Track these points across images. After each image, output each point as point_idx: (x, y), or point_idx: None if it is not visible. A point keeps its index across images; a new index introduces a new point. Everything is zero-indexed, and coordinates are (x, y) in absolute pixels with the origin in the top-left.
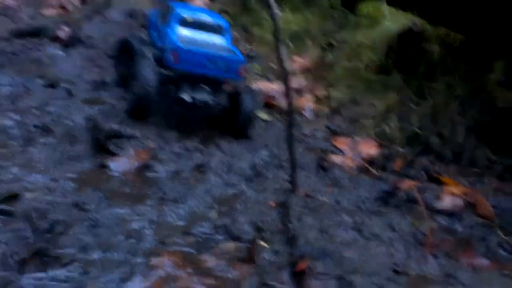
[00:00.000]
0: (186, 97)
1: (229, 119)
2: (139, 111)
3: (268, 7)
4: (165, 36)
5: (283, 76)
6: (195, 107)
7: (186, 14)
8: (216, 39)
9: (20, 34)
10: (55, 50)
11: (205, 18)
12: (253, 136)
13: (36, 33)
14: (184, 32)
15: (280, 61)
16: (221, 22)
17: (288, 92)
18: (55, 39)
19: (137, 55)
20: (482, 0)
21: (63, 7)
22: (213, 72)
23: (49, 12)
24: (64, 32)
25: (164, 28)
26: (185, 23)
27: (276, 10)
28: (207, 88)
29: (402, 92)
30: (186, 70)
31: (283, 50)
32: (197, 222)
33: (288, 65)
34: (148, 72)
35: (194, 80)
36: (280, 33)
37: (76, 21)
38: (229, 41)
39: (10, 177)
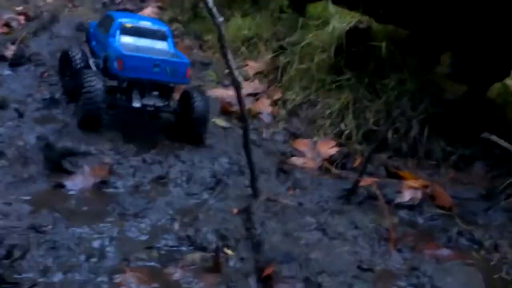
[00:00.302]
0: (135, 103)
1: (182, 123)
2: (89, 122)
3: (211, 16)
4: (108, 45)
5: (234, 83)
6: (145, 112)
7: (127, 22)
8: (159, 45)
9: None
10: (2, 70)
11: (146, 24)
12: (211, 142)
13: None
14: (127, 39)
15: (229, 68)
16: (163, 27)
17: (240, 100)
18: (1, 58)
19: (78, 67)
20: None
21: (7, 25)
22: (159, 76)
23: None
24: (10, 50)
25: (106, 38)
26: (126, 31)
27: (220, 18)
28: (156, 93)
29: (355, 90)
30: (132, 77)
31: (231, 57)
32: (160, 235)
33: (237, 72)
34: (93, 83)
35: (142, 87)
36: (225, 41)
37: (22, 39)
38: (171, 46)
39: None
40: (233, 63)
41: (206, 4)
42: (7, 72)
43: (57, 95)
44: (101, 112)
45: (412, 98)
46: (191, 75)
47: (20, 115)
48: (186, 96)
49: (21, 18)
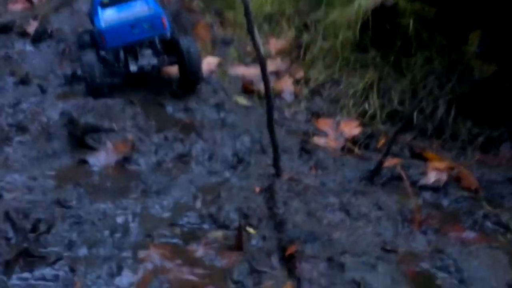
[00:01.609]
0: (132, 67)
1: (180, 72)
2: (94, 91)
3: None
4: (93, 22)
5: (260, 62)
6: (144, 72)
7: None
8: (137, 6)
9: None
10: (24, 46)
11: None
12: (233, 120)
13: (3, 29)
14: (107, 13)
15: (255, 46)
16: None
17: (265, 79)
18: (23, 34)
19: (81, 43)
20: None
21: (28, 1)
22: (140, 36)
23: (15, 7)
24: (32, 26)
25: (91, 14)
26: (104, 5)
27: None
28: (148, 51)
29: (380, 68)
30: (117, 45)
31: (257, 35)
32: (183, 212)
33: (263, 50)
34: (88, 59)
35: (133, 50)
36: (252, 19)
37: (44, 15)
38: (149, 2)
39: None
40: (259, 41)
41: None
42: (29, 48)
43: (79, 72)
44: (102, 84)
45: (439, 78)
46: (168, 24)
47: (43, 91)
48: (174, 43)
49: None
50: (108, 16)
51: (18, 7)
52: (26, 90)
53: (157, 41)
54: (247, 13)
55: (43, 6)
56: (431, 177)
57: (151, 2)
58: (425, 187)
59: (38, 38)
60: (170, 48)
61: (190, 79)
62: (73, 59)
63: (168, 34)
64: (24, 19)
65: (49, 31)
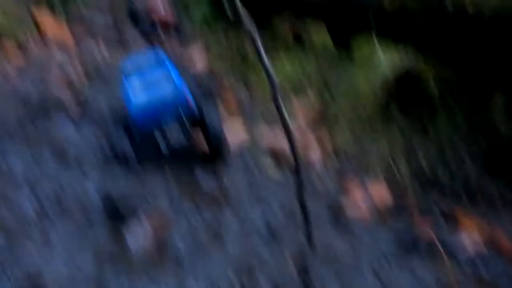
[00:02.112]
0: (162, 149)
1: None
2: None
3: (268, 76)
4: (124, 100)
5: (289, 140)
6: (175, 153)
7: (134, 80)
8: (166, 86)
9: (29, 108)
10: (64, 122)
11: (152, 76)
12: (263, 194)
13: (44, 106)
14: (138, 96)
15: (284, 123)
16: (159, 56)
17: (294, 154)
18: (63, 110)
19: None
20: (477, 33)
21: (68, 78)
22: (168, 118)
23: (55, 83)
24: (71, 103)
25: (123, 91)
26: (135, 88)
27: (275, 80)
28: (175, 128)
29: (406, 131)
30: (147, 131)
31: (285, 112)
32: None
33: (291, 125)
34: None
35: (162, 131)
36: (279, 98)
37: (82, 92)
38: (172, 72)
39: (30, 260)
40: (287, 117)
41: (263, 65)
42: (69, 124)
43: (117, 149)
44: (135, 168)
45: (466, 138)
46: (192, 103)
47: (81, 167)
48: (200, 117)
49: (81, 70)
50: (139, 99)
51: (57, 84)
52: (65, 167)
53: (185, 120)
54: (275, 95)
55: (81, 83)
56: (466, 242)
57: (175, 74)
58: (460, 254)
59: (77, 114)
60: (196, 123)
61: (212, 145)
62: (111, 138)
63: (197, 113)
64: (64, 96)
65: (88, 107)
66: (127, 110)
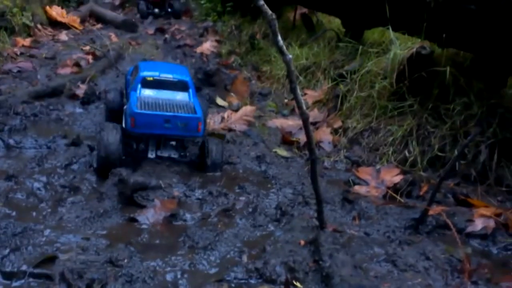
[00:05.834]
0: (150, 154)
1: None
2: (104, 170)
3: (281, 53)
4: (128, 98)
5: (302, 118)
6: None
7: (149, 76)
8: (178, 96)
9: (39, 95)
10: (74, 108)
11: (168, 77)
12: (274, 173)
13: (54, 93)
14: (147, 92)
15: (298, 103)
16: (184, 77)
17: (308, 134)
18: (73, 97)
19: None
20: (490, 20)
21: (77, 65)
22: (171, 131)
23: (64, 71)
24: (81, 89)
25: (130, 89)
26: (147, 84)
27: (289, 56)
28: (173, 143)
29: (418, 115)
30: (144, 133)
31: (299, 93)
32: (229, 268)
33: (305, 106)
34: (109, 135)
35: (158, 138)
36: (294, 77)
37: (91, 77)
38: (192, 96)
39: (43, 240)
40: (301, 99)
41: (276, 42)
42: (79, 110)
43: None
44: (115, 161)
45: (479, 122)
46: (202, 128)
47: (93, 150)
48: (203, 146)
49: (89, 57)
50: (147, 97)
51: (67, 70)
52: (77, 151)
53: (185, 140)
54: (289, 73)
55: (90, 68)
56: (478, 224)
57: (193, 97)
58: (472, 235)
59: (87, 100)
60: (195, 144)
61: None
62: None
63: (201, 138)
64: (73, 82)
65: (97, 93)
66: (129, 108)
